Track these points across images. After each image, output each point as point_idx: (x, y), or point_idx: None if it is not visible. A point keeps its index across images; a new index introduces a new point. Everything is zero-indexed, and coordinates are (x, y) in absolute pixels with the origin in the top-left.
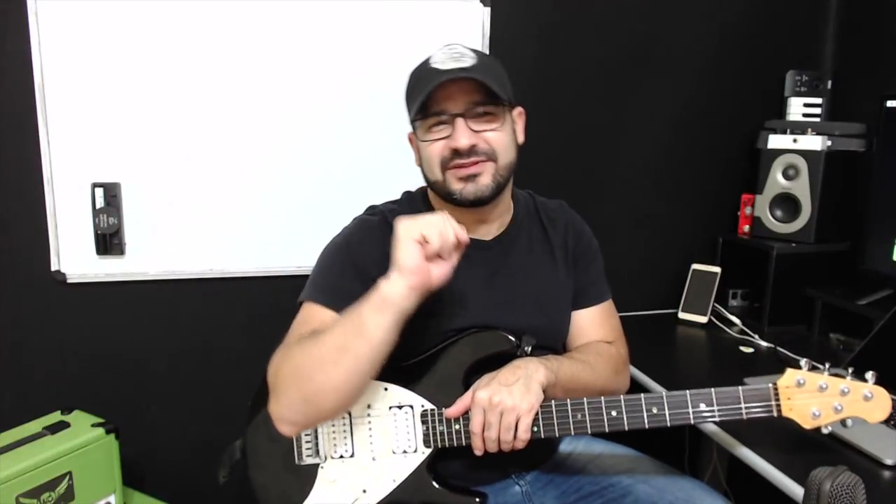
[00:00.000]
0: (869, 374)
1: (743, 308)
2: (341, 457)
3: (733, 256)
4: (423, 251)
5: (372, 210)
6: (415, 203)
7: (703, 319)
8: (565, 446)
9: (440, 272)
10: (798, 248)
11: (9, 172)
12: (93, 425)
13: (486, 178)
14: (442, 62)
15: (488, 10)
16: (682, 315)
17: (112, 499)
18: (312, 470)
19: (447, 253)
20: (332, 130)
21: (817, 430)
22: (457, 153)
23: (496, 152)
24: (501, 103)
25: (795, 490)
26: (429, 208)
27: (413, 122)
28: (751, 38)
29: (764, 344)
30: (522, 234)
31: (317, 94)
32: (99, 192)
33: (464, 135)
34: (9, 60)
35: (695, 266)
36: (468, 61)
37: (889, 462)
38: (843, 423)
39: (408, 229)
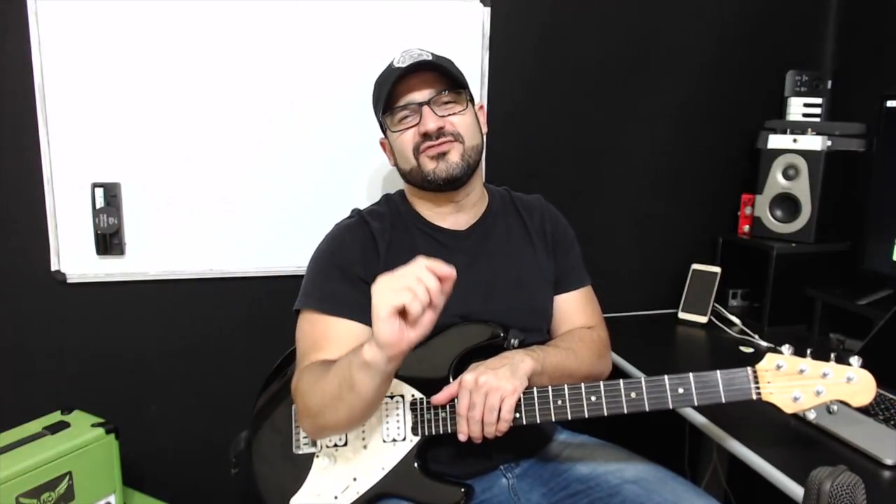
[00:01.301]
0: (853, 359)
1: (743, 308)
2: (335, 445)
3: (733, 256)
4: (401, 320)
5: (352, 213)
6: (392, 202)
7: (703, 319)
8: (556, 441)
9: (419, 333)
10: (798, 248)
11: (9, 172)
12: (93, 425)
13: (454, 156)
14: (402, 62)
15: (488, 10)
16: (682, 315)
17: (112, 499)
18: (308, 459)
19: (434, 299)
20: (331, 130)
21: (801, 415)
22: (427, 136)
23: (462, 134)
24: (462, 89)
25: (795, 490)
26: (407, 207)
27: (383, 118)
28: (751, 38)
29: (764, 344)
30: (499, 223)
31: (316, 95)
32: (99, 192)
33: (431, 119)
34: (9, 60)
35: (695, 266)
36: (426, 57)
37: (889, 462)
38: (827, 409)
39: (384, 301)
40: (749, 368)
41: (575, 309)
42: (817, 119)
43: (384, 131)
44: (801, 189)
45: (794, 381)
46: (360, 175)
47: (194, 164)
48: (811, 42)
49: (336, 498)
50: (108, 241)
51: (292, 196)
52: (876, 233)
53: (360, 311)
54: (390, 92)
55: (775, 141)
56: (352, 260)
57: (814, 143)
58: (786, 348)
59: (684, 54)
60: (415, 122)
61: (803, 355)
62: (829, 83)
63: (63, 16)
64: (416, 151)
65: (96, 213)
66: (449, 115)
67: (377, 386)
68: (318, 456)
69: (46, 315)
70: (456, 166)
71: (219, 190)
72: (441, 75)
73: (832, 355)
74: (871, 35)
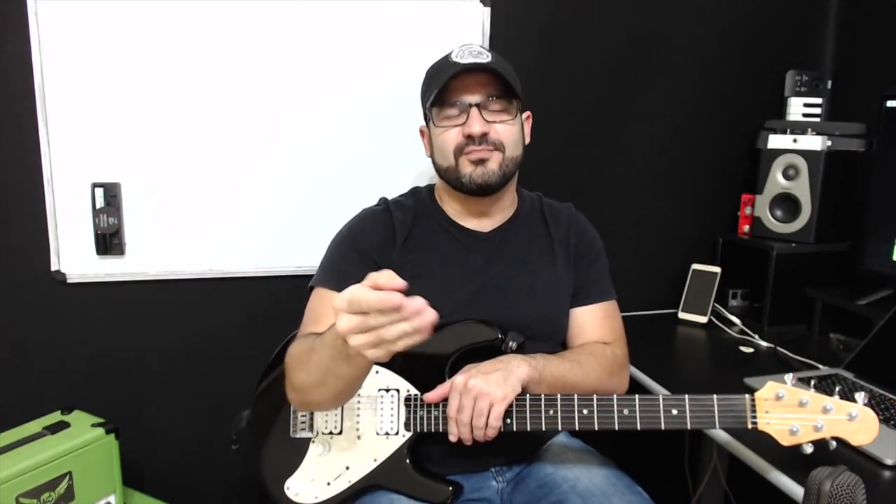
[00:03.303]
0: (859, 395)
1: (743, 308)
2: (330, 433)
3: (733, 256)
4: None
5: (379, 201)
6: (419, 196)
7: (703, 319)
8: (552, 449)
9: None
10: (798, 248)
11: (9, 172)
12: (93, 425)
13: (493, 164)
14: (461, 56)
15: (488, 10)
16: (682, 315)
17: (112, 499)
18: (304, 443)
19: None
20: (332, 130)
21: (796, 447)
22: (470, 139)
23: (504, 144)
24: (514, 98)
25: (795, 490)
26: (433, 203)
27: (429, 109)
28: (751, 38)
29: (764, 344)
30: (523, 228)
31: (316, 95)
32: (99, 192)
33: (477, 122)
34: (9, 60)
35: (695, 266)
36: (486, 58)
37: (889, 462)
38: (826, 444)
39: (346, 329)
40: (748, 396)
41: (591, 323)
42: (817, 119)
43: (427, 121)
44: (801, 189)
45: (794, 413)
46: (361, 176)
47: (194, 164)
48: (811, 42)
49: (329, 484)
50: (108, 241)
51: (293, 196)
52: (876, 233)
53: None
54: (443, 86)
55: (775, 141)
56: (370, 245)
57: (814, 143)
58: (788, 377)
59: (684, 54)
60: (460, 122)
61: (801, 354)
62: (829, 83)
63: (63, 16)
64: (458, 152)
65: (96, 213)
66: (496, 121)
67: (356, 373)
68: (313, 441)
69: (46, 315)
70: (493, 174)
71: (219, 190)
72: (496, 79)
73: (837, 389)
74: (871, 35)
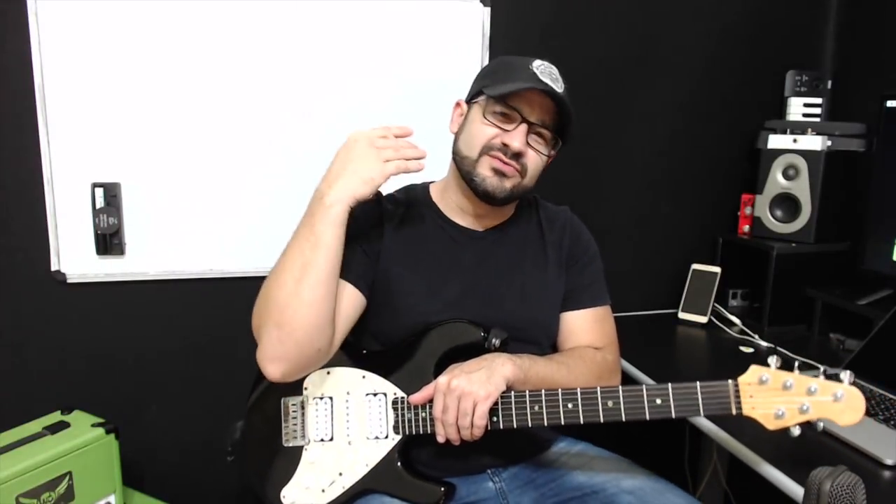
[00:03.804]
0: (845, 374)
1: (743, 308)
2: (322, 440)
3: (733, 256)
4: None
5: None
6: (413, 192)
7: (703, 319)
8: (554, 449)
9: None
10: (798, 248)
11: (9, 172)
12: (93, 425)
13: (509, 183)
14: (542, 73)
15: (488, 10)
16: (682, 315)
17: (112, 499)
18: (297, 452)
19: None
20: (332, 130)
21: (784, 431)
22: (504, 149)
23: (528, 172)
24: (560, 138)
25: (795, 490)
26: (427, 199)
27: (486, 96)
28: (751, 38)
29: (764, 344)
30: (517, 231)
31: (316, 95)
32: (99, 192)
33: (520, 139)
34: (9, 60)
35: (695, 266)
36: (560, 88)
37: (889, 462)
38: (813, 426)
39: (383, 169)
40: (731, 381)
41: (582, 327)
42: (817, 119)
43: (470, 101)
44: (801, 189)
45: (778, 397)
46: None
47: (194, 164)
48: (811, 42)
49: (323, 491)
50: (108, 241)
51: (293, 196)
52: (876, 233)
53: (355, 275)
54: (515, 90)
55: (775, 141)
56: (358, 231)
57: (814, 143)
58: (772, 360)
59: (684, 54)
60: (505, 129)
61: (801, 354)
62: (829, 83)
63: (63, 16)
64: (485, 151)
65: (96, 213)
66: (534, 147)
67: (341, 232)
68: (306, 449)
69: (46, 315)
70: (503, 191)
71: (219, 190)
72: (559, 114)
73: (822, 369)
74: (871, 35)
